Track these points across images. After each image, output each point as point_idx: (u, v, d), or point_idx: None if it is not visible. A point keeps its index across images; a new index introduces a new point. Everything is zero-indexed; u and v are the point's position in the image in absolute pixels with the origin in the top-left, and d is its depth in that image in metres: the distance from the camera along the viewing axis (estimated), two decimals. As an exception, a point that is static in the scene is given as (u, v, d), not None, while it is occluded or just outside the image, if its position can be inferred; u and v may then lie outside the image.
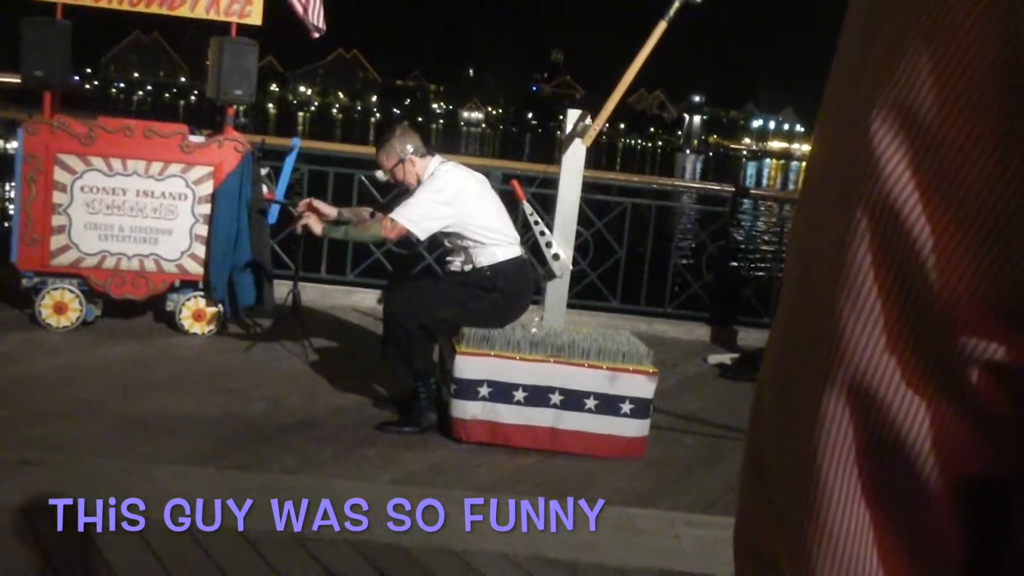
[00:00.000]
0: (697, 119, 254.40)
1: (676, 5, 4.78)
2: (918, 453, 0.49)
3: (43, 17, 6.15)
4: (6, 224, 7.29)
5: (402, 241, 5.35)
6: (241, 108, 7.50)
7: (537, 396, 4.79)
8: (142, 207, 6.19)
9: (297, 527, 3.73)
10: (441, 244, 5.23)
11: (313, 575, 3.41)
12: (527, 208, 5.24)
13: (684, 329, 7.79)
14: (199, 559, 3.42)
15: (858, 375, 0.49)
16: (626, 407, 4.81)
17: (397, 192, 5.26)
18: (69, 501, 3.70)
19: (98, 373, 5.43)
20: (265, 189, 6.37)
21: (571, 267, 5.29)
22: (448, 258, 5.14)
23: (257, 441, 4.67)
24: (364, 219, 5.21)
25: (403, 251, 7.40)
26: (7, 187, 7.60)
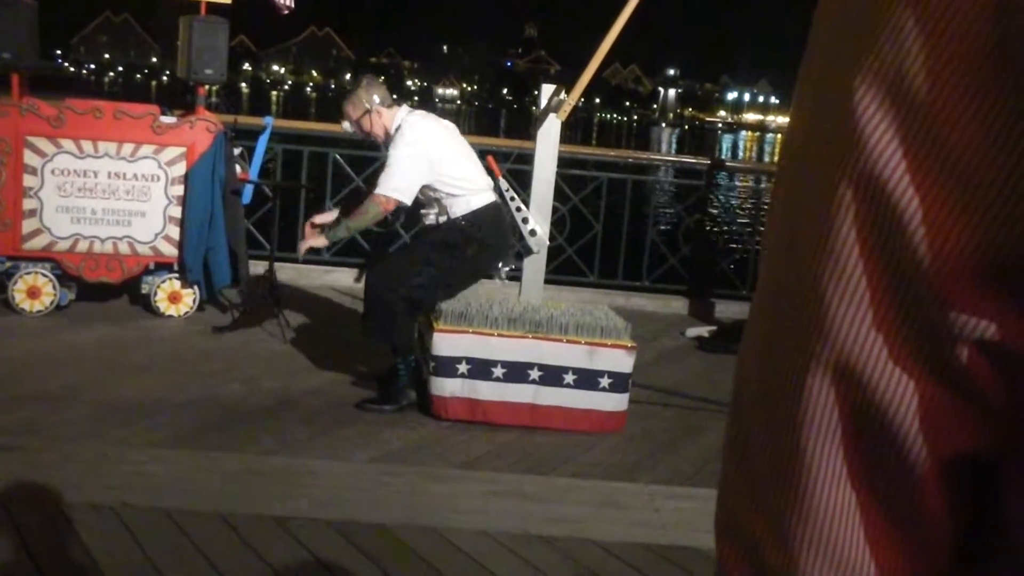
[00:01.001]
0: (672, 92, 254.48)
1: (649, -23, 4.76)
2: (906, 432, 0.48)
3: (8, -2, 6.07)
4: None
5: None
6: (213, 88, 7.43)
7: (516, 372, 4.78)
8: (114, 189, 6.13)
9: (276, 508, 3.72)
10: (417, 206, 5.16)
11: (293, 555, 3.41)
12: (503, 184, 5.22)
13: (662, 303, 7.81)
14: (179, 541, 3.41)
15: (843, 353, 0.47)
16: (605, 382, 4.82)
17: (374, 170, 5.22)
18: (46, 486, 3.68)
19: (73, 357, 5.39)
20: (239, 169, 6.32)
21: (548, 243, 5.28)
22: (422, 211, 5.09)
23: (235, 423, 4.65)
24: (359, 206, 5.07)
25: (379, 229, 7.37)
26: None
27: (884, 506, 0.50)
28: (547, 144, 5.18)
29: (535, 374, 4.79)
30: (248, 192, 6.31)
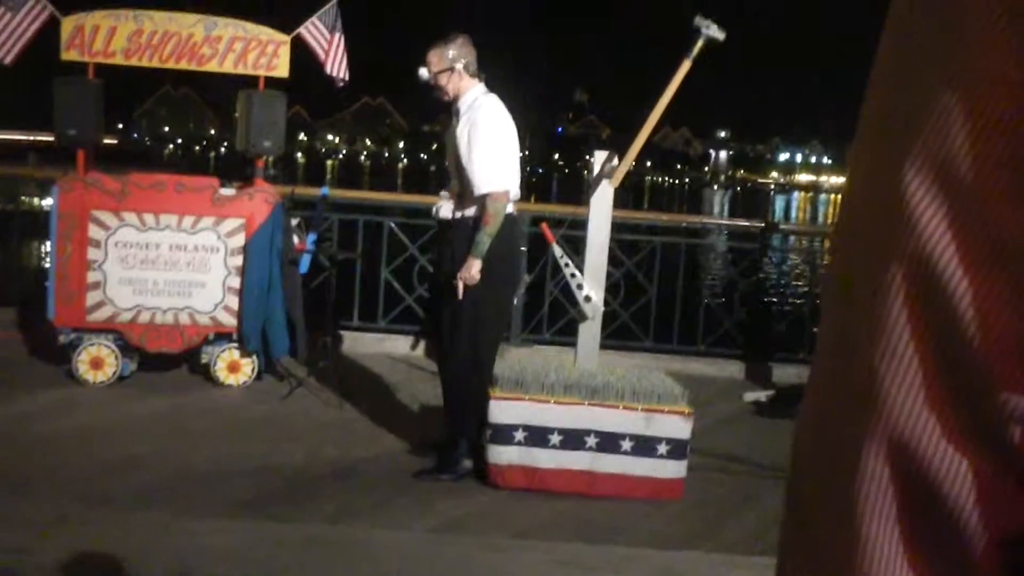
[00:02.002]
0: (723, 154, 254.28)
1: (700, 43, 4.79)
2: (960, 511, 0.48)
3: (75, 76, 6.26)
4: (43, 281, 7.37)
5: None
6: (270, 159, 7.57)
7: (573, 439, 4.76)
8: (175, 261, 6.25)
9: (336, 578, 3.72)
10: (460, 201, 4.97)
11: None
12: (557, 250, 5.23)
13: (718, 367, 7.74)
14: (239, 613, 3.41)
15: (897, 432, 0.48)
16: (663, 448, 4.78)
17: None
18: (109, 557, 3.71)
19: (136, 428, 5.46)
20: (296, 239, 6.41)
21: (603, 308, 5.28)
22: (444, 203, 5.00)
23: (294, 491, 4.67)
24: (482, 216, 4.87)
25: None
26: (43, 245, 7.69)
27: None
28: (601, 210, 5.19)
29: (592, 441, 4.77)
30: (305, 261, 6.39)
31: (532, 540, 4.29)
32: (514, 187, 4.96)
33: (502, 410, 4.75)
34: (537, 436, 4.75)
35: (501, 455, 4.77)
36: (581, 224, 5.54)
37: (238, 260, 6.31)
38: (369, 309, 7.73)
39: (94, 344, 6.13)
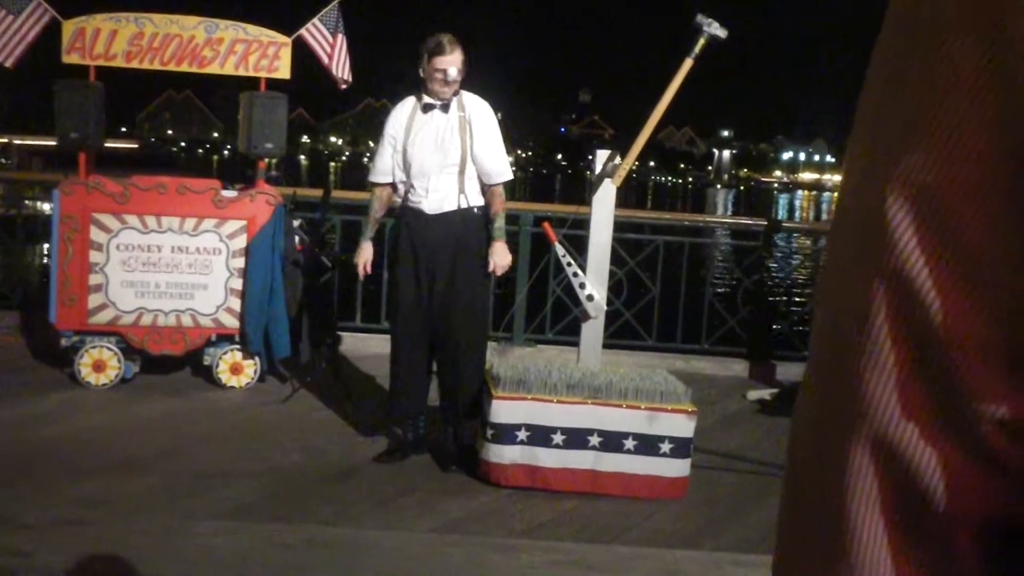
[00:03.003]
0: (727, 154, 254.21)
1: (701, 41, 4.78)
2: (938, 503, 0.52)
3: (76, 80, 6.26)
4: (45, 284, 7.38)
5: None
6: (272, 161, 7.57)
7: (576, 438, 4.75)
8: (177, 263, 6.25)
9: (339, 579, 3.71)
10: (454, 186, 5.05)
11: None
12: (559, 250, 5.23)
13: (722, 365, 7.73)
14: (242, 615, 3.40)
15: (880, 432, 0.53)
16: (666, 447, 4.77)
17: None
18: (112, 559, 3.71)
19: (138, 430, 5.46)
20: (298, 241, 6.41)
21: (605, 307, 5.27)
22: (449, 200, 5.03)
23: (297, 493, 4.66)
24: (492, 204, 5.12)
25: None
26: (44, 248, 7.70)
27: (922, 568, 0.55)
28: (603, 209, 5.18)
29: (595, 440, 4.76)
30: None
31: (535, 540, 4.28)
32: None
33: (505, 410, 4.74)
34: (540, 435, 4.74)
35: (504, 454, 4.76)
36: (583, 223, 5.53)
37: (240, 262, 6.31)
38: (373, 310, 7.72)
39: (96, 347, 6.13)
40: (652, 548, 4.25)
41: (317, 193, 7.31)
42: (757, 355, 7.78)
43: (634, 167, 5.51)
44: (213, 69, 6.47)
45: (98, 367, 6.13)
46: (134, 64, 6.31)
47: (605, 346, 5.49)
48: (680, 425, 4.79)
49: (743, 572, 4.02)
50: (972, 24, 0.49)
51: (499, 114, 5.25)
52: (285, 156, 7.76)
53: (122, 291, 6.20)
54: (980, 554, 0.54)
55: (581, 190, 6.08)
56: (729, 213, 78.77)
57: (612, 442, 4.76)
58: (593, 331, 5.23)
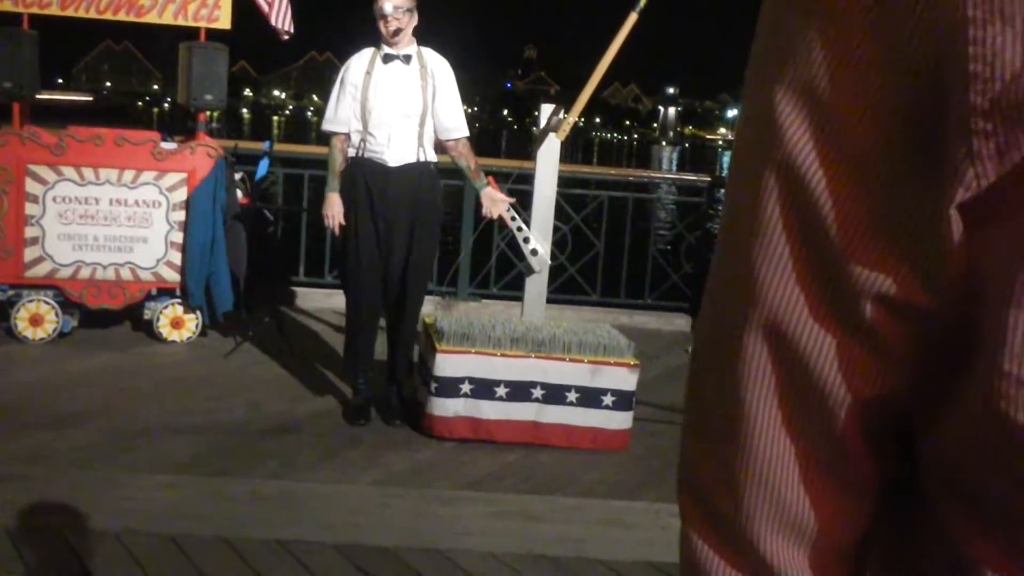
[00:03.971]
0: (672, 111, 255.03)
1: (646, -4, 4.77)
2: (826, 382, 0.55)
3: (9, 27, 6.10)
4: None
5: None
6: (214, 113, 7.46)
7: (519, 391, 4.78)
8: (116, 216, 6.15)
9: (281, 532, 3.71)
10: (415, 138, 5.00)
11: (299, 579, 3.39)
12: (504, 204, 5.22)
13: (664, 320, 7.80)
14: (184, 567, 3.40)
15: (772, 314, 0.55)
16: (608, 400, 4.81)
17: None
18: (51, 513, 3.68)
19: (77, 384, 5.39)
20: (240, 194, 6.33)
21: (549, 262, 5.29)
22: (408, 153, 4.97)
23: (239, 447, 4.65)
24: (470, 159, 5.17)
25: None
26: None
27: (815, 452, 0.58)
28: (547, 163, 5.18)
29: (538, 393, 4.79)
30: (263, 166, 6.34)
31: (478, 491, 4.31)
32: None
33: (448, 363, 4.75)
34: (483, 388, 4.76)
35: (447, 407, 4.77)
36: (528, 178, 5.54)
37: (180, 215, 6.22)
38: (316, 264, 7.68)
39: (33, 300, 6.03)
40: (594, 499, 4.31)
41: (259, 146, 7.23)
42: (699, 310, 7.83)
43: (580, 123, 5.51)
44: (151, 18, 6.33)
45: (35, 321, 6.03)
46: (69, 12, 6.16)
47: (549, 301, 5.53)
48: (623, 378, 4.83)
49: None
50: None
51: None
52: (227, 109, 7.65)
53: (59, 244, 6.10)
54: (869, 441, 0.57)
55: (527, 146, 6.06)
56: (674, 170, 79.12)
57: (555, 395, 4.79)
58: (537, 286, 5.25)
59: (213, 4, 6.35)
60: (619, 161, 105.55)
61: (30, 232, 6.04)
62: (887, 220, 0.51)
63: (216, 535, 3.63)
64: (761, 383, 0.57)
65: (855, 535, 0.61)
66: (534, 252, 5.13)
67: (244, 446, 4.66)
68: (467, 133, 5.10)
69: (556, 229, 5.55)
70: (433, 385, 4.78)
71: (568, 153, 5.31)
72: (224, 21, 6.39)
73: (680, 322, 7.79)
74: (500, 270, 7.58)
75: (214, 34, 6.45)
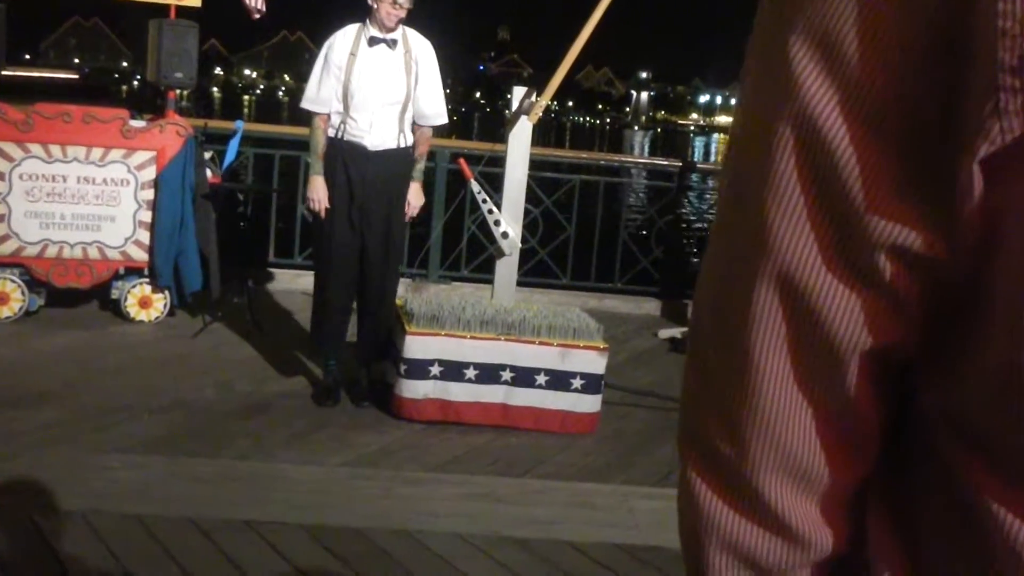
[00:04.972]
0: (644, 95, 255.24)
1: (619, -20, 4.77)
2: (838, 333, 0.56)
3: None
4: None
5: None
6: (184, 92, 7.40)
7: (488, 374, 4.79)
8: (83, 194, 6.09)
9: (249, 512, 3.71)
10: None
11: (265, 560, 3.40)
12: (475, 187, 5.22)
13: (634, 304, 7.83)
14: (151, 547, 3.39)
15: (785, 265, 0.56)
16: (577, 383, 4.83)
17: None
18: (17, 493, 3.65)
19: (43, 364, 5.35)
20: (209, 173, 6.29)
21: (520, 245, 5.29)
22: (389, 138, 4.95)
23: (207, 427, 4.63)
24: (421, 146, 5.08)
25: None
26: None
27: (823, 401, 0.59)
28: (519, 146, 5.18)
29: (507, 375, 4.80)
30: (233, 146, 6.31)
31: (447, 473, 4.32)
32: None
33: (418, 345, 4.75)
34: (453, 370, 4.77)
35: (416, 389, 4.78)
36: (500, 161, 5.52)
37: (149, 194, 6.17)
38: (285, 246, 7.64)
39: (-1, 279, 5.97)
40: (562, 481, 4.33)
41: (229, 125, 7.17)
42: (669, 294, 7.89)
43: (552, 106, 5.51)
44: (121, -6, 6.27)
45: (1, 300, 5.97)
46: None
47: (519, 284, 5.53)
48: (592, 362, 4.85)
49: (651, 504, 4.11)
50: None
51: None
52: (197, 88, 7.59)
53: (26, 222, 6.03)
54: (873, 395, 0.58)
55: (499, 128, 6.04)
56: (645, 154, 79.18)
57: (524, 377, 4.80)
58: (507, 268, 5.25)
59: (183, -19, 6.29)
60: (591, 145, 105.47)
61: (-4, 209, 5.98)
62: (906, 173, 0.52)
63: (183, 515, 3.62)
64: (770, 333, 0.58)
65: (857, 482, 0.62)
66: (505, 235, 5.13)
67: (212, 426, 4.65)
68: (445, 120, 5.11)
69: (527, 212, 5.55)
70: (402, 367, 4.78)
71: (540, 136, 5.31)
72: (195, -2, 6.34)
73: (650, 306, 7.82)
74: (471, 252, 7.58)
75: (185, 12, 6.40)
